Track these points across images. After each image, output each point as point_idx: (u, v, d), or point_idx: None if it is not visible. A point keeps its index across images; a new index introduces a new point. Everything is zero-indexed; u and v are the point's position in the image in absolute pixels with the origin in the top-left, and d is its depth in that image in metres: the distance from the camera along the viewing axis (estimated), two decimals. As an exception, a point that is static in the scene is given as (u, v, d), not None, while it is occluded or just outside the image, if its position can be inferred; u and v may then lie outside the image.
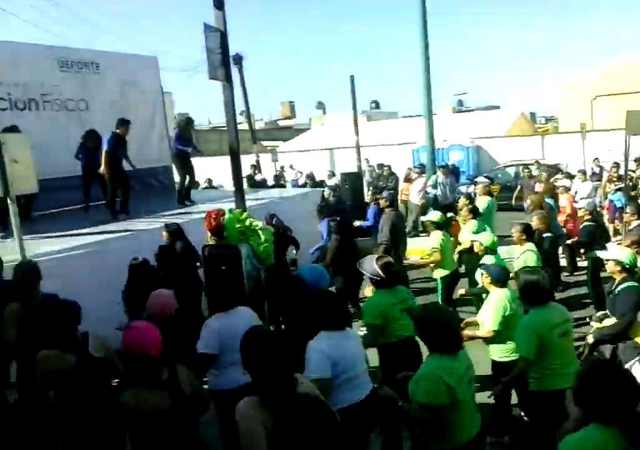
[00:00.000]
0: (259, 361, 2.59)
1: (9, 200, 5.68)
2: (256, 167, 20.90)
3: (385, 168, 16.56)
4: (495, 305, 4.61)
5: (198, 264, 6.29)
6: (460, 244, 7.56)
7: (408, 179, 14.18)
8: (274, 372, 2.55)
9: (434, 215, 7.39)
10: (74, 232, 7.77)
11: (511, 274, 4.95)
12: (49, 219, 9.27)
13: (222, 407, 3.77)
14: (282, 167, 23.05)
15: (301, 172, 21.32)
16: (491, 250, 5.87)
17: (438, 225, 7.11)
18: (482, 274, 4.97)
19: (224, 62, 6.96)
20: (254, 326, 3.06)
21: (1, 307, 4.34)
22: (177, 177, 10.54)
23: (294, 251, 8.21)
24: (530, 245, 6.13)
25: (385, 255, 5.04)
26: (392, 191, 11.43)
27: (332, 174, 19.47)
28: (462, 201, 8.85)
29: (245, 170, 12.54)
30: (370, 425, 3.67)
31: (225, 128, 8.58)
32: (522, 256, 6.01)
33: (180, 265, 6.03)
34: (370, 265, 4.56)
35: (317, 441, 2.06)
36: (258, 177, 19.38)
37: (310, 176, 19.47)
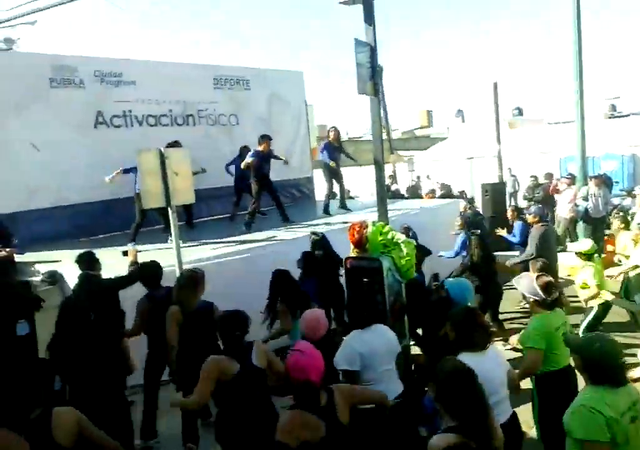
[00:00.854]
0: (463, 402, 2.56)
1: (169, 210, 6.17)
2: (393, 177, 20.90)
3: (532, 178, 15.76)
4: None
5: (340, 272, 6.41)
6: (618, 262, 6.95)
7: (555, 190, 13.40)
8: (478, 412, 2.52)
9: (585, 245, 6.55)
10: (224, 239, 8.24)
11: None
12: (200, 226, 9.93)
13: (358, 424, 3.75)
14: (418, 177, 22.80)
15: (438, 182, 20.92)
16: None
17: (589, 256, 6.38)
18: None
19: (372, 77, 7.03)
20: (451, 358, 2.92)
21: (163, 311, 4.70)
22: (323, 188, 10.83)
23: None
24: None
25: (544, 273, 4.73)
26: (540, 205, 10.79)
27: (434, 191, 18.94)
28: (617, 222, 8.13)
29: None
30: None
31: (360, 139, 8.65)
32: None
33: (322, 272, 6.23)
34: (529, 284, 4.27)
35: None
36: (393, 187, 19.36)
37: (416, 185, 19.01)
